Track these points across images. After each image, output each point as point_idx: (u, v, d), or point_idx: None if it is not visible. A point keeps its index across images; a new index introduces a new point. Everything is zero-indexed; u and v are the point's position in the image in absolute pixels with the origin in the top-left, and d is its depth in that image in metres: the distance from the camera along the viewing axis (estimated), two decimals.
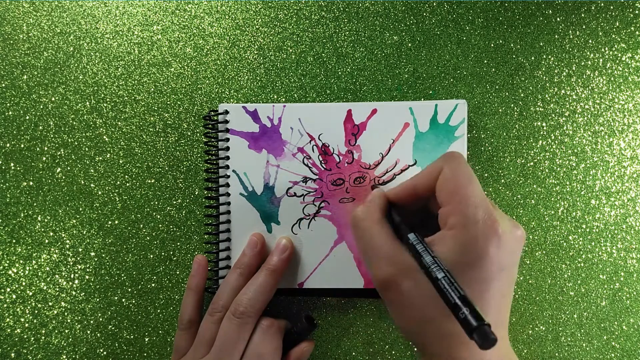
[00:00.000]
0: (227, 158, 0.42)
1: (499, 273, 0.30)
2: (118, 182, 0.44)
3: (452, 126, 0.41)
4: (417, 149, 0.41)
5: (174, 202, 0.44)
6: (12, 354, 0.43)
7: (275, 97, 0.44)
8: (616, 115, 0.43)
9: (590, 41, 0.43)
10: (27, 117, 0.44)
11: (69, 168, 0.44)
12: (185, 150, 0.44)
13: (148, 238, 0.44)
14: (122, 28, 0.44)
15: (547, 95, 0.43)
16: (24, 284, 0.43)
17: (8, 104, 0.44)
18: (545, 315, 0.43)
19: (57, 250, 0.43)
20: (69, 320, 0.43)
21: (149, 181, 0.44)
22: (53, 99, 0.44)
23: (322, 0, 0.44)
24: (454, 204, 0.31)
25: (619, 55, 0.43)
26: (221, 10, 0.44)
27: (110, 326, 0.44)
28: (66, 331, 0.43)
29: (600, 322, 0.43)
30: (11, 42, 0.44)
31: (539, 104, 0.43)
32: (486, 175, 0.43)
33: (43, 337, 0.43)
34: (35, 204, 0.44)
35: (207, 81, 0.44)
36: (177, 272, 0.44)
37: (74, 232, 0.44)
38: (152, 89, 0.44)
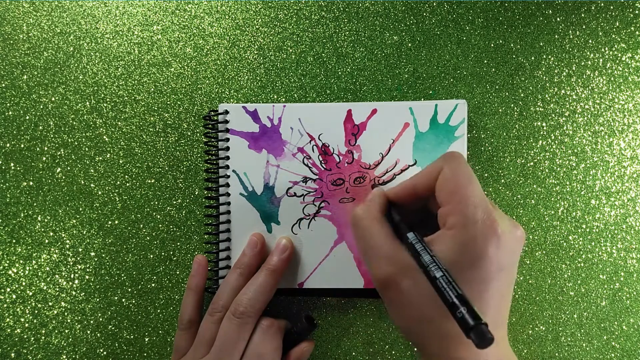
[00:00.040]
0: (227, 158, 0.42)
1: (498, 273, 0.30)
2: (118, 182, 0.44)
3: (452, 126, 0.41)
4: (417, 149, 0.41)
5: (174, 202, 0.44)
6: (12, 354, 0.43)
7: (275, 97, 0.44)
8: (616, 115, 0.43)
9: (590, 41, 0.43)
10: (27, 117, 0.44)
11: (69, 168, 0.44)
12: (185, 150, 0.44)
13: (148, 238, 0.44)
14: (122, 28, 0.44)
15: (547, 95, 0.43)
16: (24, 284, 0.44)
17: (8, 104, 0.44)
18: (545, 315, 0.43)
19: (57, 250, 0.44)
20: (69, 320, 0.43)
21: (149, 181, 0.44)
22: (53, 99, 0.44)
23: (322, 0, 0.44)
24: (453, 204, 0.31)
25: (619, 55, 0.43)
26: (221, 10, 0.44)
27: (110, 326, 0.44)
28: (66, 331, 0.43)
29: (600, 322, 0.43)
30: (11, 42, 0.44)
31: (539, 104, 0.43)
32: (486, 175, 0.43)
33: (43, 337, 0.43)
34: (35, 204, 0.44)
35: (207, 81, 0.44)
36: (177, 272, 0.44)
37: (74, 232, 0.44)
38: (152, 89, 0.44)
